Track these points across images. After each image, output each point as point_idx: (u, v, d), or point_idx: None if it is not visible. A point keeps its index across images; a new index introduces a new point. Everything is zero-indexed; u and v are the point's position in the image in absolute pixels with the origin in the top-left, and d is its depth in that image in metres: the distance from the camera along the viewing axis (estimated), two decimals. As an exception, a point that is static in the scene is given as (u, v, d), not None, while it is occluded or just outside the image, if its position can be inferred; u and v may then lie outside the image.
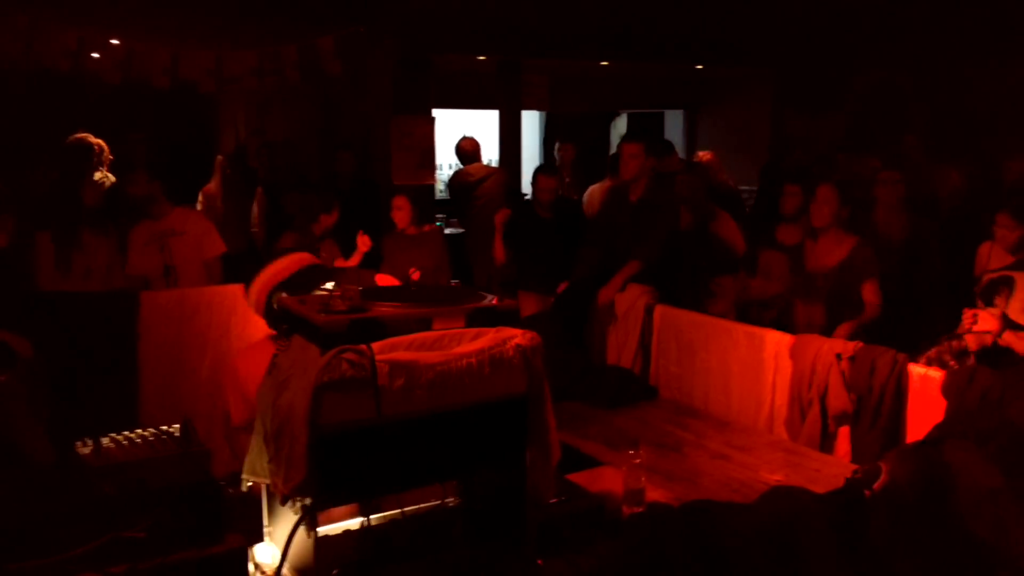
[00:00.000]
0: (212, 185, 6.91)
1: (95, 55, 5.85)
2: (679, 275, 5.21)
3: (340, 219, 5.52)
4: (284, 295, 2.51)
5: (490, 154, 8.97)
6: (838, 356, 3.97)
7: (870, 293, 4.51)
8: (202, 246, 5.18)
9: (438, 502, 2.38)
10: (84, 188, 5.12)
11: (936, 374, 3.63)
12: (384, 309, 2.15)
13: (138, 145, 6.84)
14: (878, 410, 3.78)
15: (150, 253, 5.07)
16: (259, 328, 3.17)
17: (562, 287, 5.45)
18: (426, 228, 5.94)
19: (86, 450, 1.95)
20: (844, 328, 4.36)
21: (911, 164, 6.09)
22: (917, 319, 4.66)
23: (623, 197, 5.39)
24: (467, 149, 7.48)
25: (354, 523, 2.23)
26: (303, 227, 5.40)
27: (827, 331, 4.37)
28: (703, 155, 7.19)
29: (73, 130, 5.79)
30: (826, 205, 4.61)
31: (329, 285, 2.21)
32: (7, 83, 6.21)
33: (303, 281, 2.94)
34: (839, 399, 3.93)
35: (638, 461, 2.75)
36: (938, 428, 2.92)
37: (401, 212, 5.78)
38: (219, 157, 7.04)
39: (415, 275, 4.75)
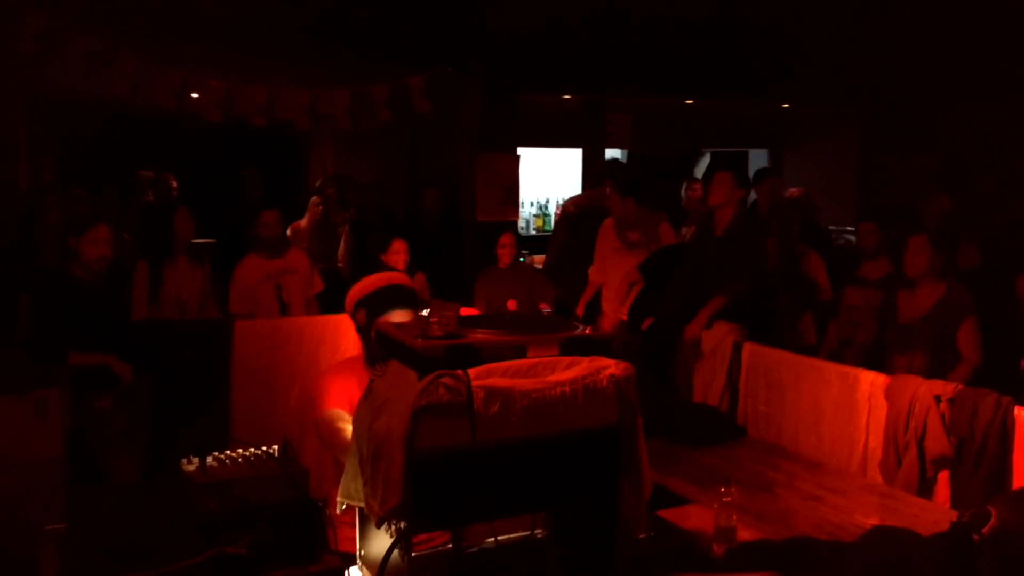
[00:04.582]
0: (303, 222, 7.09)
1: (196, 95, 6.11)
2: (765, 313, 5.12)
3: (423, 254, 5.59)
4: (382, 322, 2.55)
5: (572, 192, 9.00)
6: (937, 398, 3.84)
7: (967, 340, 4.42)
8: (310, 284, 5.35)
9: (528, 533, 2.37)
10: (177, 220, 5.31)
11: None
12: (480, 336, 2.16)
13: (252, 179, 7.07)
14: (981, 455, 3.63)
15: (263, 291, 5.20)
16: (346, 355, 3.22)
17: (647, 323, 5.41)
18: (519, 265, 6.01)
19: (191, 467, 2.00)
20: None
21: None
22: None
23: (709, 231, 5.32)
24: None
25: (446, 549, 2.23)
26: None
27: (930, 375, 4.25)
28: (794, 191, 7.07)
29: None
30: (919, 255, 4.58)
31: (425, 312, 2.24)
32: (117, 123, 6.52)
33: (384, 297, 3.06)
34: (938, 442, 3.78)
35: (729, 499, 2.69)
36: (1049, 474, 2.79)
37: (510, 250, 5.87)
38: (315, 197, 7.21)
39: (512, 305, 4.79)
